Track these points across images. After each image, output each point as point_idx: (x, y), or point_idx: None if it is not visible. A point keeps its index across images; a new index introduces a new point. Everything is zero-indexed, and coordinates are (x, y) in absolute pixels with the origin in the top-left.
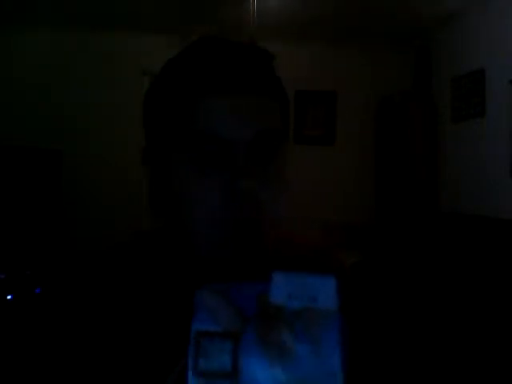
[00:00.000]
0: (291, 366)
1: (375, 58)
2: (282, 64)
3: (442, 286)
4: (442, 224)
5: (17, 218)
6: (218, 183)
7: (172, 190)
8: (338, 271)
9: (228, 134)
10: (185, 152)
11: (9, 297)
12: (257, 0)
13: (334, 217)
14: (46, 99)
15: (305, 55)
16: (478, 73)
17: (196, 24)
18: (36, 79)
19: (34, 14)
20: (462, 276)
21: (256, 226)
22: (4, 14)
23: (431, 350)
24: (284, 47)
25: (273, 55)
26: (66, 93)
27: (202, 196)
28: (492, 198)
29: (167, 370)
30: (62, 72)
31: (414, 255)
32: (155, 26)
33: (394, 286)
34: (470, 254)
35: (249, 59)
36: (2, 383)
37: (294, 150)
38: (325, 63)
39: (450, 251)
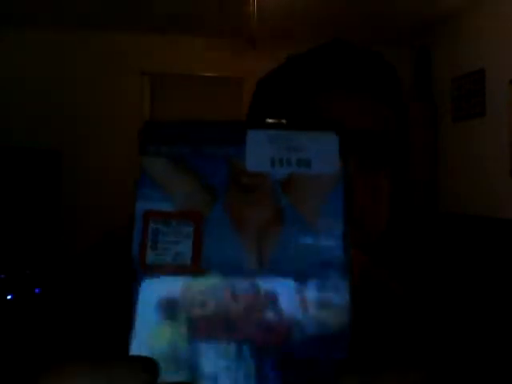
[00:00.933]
0: (273, 252)
1: None
2: None
3: (441, 286)
4: (442, 224)
5: (17, 218)
6: None
7: None
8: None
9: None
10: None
11: (9, 297)
12: (257, 0)
13: None
14: (45, 99)
15: None
16: (478, 73)
17: (196, 24)
18: (36, 79)
19: (34, 14)
20: (462, 276)
21: None
22: (4, 14)
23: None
24: (284, 47)
25: (394, 67)
26: (65, 93)
27: None
28: (492, 198)
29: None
30: (62, 72)
31: (413, 255)
32: (155, 26)
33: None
34: (469, 253)
35: (352, 61)
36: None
37: None
38: None
39: (450, 251)
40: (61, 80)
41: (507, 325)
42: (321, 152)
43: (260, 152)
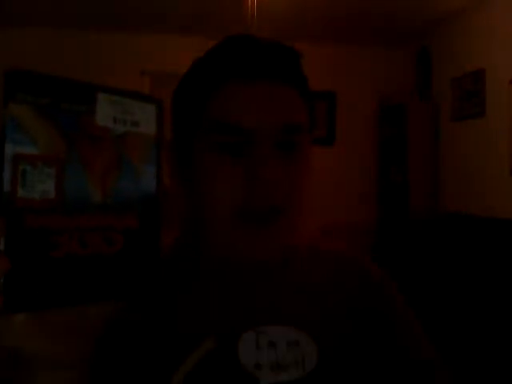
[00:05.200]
0: (112, 190)
1: (375, 58)
2: None
3: (441, 285)
4: (442, 224)
5: None
6: (240, 171)
7: (195, 179)
8: (371, 277)
9: (251, 123)
10: (207, 141)
11: None
12: (257, 0)
13: (334, 217)
14: None
15: (304, 55)
16: (478, 73)
17: (196, 23)
18: None
19: (34, 14)
20: (462, 276)
21: (278, 214)
22: (4, 14)
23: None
24: None
25: (300, 52)
26: None
27: (224, 184)
28: (492, 198)
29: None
30: (62, 72)
31: (413, 255)
32: (155, 26)
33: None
34: (469, 253)
35: (274, 50)
36: None
37: None
38: (325, 63)
39: (450, 251)
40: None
41: (507, 325)
42: (145, 117)
43: (106, 111)
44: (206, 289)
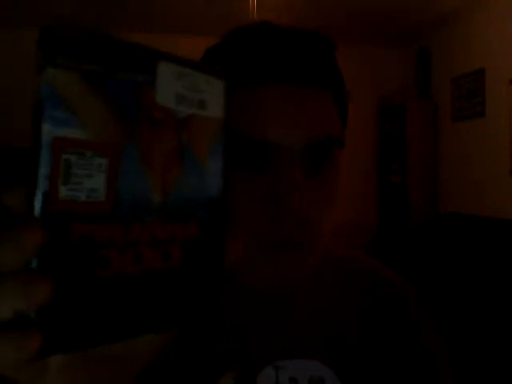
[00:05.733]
0: (172, 190)
1: (375, 58)
2: None
3: (441, 285)
4: (442, 224)
5: None
6: (265, 194)
7: None
8: (393, 288)
9: (279, 138)
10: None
11: None
12: (257, 0)
13: (334, 217)
14: None
15: None
16: (478, 73)
17: (196, 23)
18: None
19: (34, 14)
20: (462, 276)
21: (300, 247)
22: (4, 14)
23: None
24: None
25: (335, 43)
26: None
27: (246, 206)
28: (492, 198)
29: None
30: None
31: (413, 255)
32: (154, 26)
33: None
34: (469, 253)
35: (304, 43)
36: None
37: None
38: None
39: (450, 251)
40: None
41: (507, 324)
42: (213, 96)
43: (168, 87)
44: (226, 318)
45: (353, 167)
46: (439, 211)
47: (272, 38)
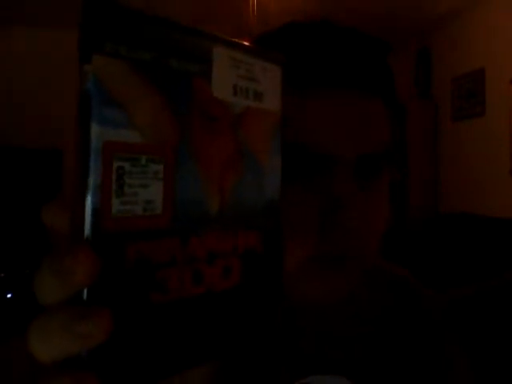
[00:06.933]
0: (231, 195)
1: None
2: None
3: (441, 285)
4: (442, 224)
5: (17, 217)
6: (315, 209)
7: None
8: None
9: (332, 149)
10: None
11: (9, 295)
12: (257, 0)
13: None
14: (45, 99)
15: None
16: (478, 73)
17: (196, 23)
18: (36, 79)
19: (34, 14)
20: (462, 276)
21: (351, 261)
22: (4, 14)
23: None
24: None
25: (390, 45)
26: (65, 92)
27: (296, 218)
28: (492, 198)
29: None
30: (62, 71)
31: (413, 254)
32: None
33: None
34: (469, 253)
35: (356, 45)
36: None
37: None
38: None
39: (450, 251)
40: (61, 79)
41: (508, 324)
42: (270, 85)
43: (224, 77)
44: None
45: None
46: (439, 211)
47: (329, 40)
